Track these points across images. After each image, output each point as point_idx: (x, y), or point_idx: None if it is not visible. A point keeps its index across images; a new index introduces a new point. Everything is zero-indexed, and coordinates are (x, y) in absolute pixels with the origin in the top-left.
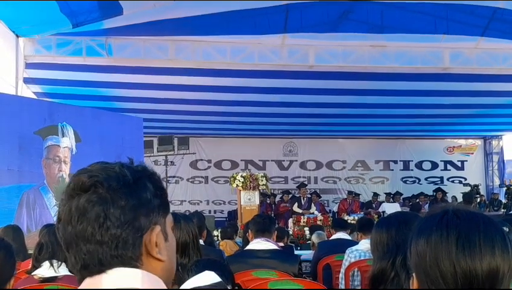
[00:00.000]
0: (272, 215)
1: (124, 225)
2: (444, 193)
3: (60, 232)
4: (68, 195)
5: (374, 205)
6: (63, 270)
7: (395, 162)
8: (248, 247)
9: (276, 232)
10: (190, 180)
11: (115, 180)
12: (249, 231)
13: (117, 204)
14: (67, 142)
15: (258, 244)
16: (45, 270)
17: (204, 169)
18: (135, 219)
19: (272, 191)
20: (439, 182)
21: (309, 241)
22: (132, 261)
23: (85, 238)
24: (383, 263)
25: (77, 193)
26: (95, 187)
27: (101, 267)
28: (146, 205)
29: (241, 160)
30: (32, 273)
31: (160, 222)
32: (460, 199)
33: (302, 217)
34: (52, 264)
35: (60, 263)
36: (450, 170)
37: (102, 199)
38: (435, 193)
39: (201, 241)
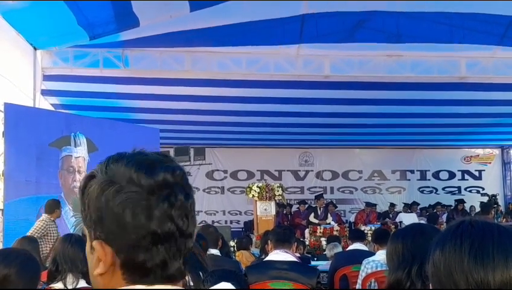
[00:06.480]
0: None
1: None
2: (463, 202)
3: (159, 228)
4: (160, 186)
5: (390, 215)
6: (81, 283)
7: (412, 171)
8: (267, 258)
9: (296, 243)
10: (206, 190)
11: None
12: (269, 241)
13: (193, 198)
14: (80, 151)
15: (277, 255)
16: (61, 286)
17: (221, 179)
18: None
19: (288, 202)
20: (457, 192)
21: (325, 252)
22: None
23: (183, 231)
24: (398, 273)
25: (168, 187)
26: (182, 181)
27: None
28: None
29: (257, 170)
30: (50, 285)
31: None
32: (478, 208)
33: (318, 227)
34: (65, 284)
35: (75, 281)
36: (467, 179)
37: (190, 194)
38: (456, 203)
39: (217, 251)
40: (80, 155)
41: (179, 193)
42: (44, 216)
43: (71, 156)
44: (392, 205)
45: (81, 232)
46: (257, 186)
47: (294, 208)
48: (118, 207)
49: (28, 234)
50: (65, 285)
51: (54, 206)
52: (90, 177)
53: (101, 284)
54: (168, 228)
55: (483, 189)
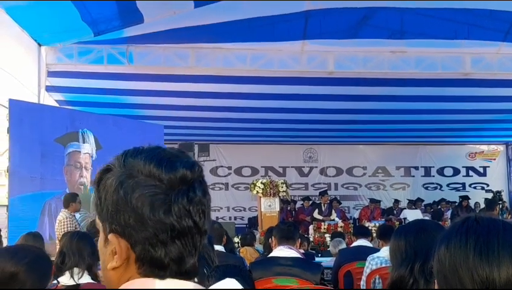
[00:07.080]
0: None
1: None
2: (468, 199)
3: (177, 223)
4: (179, 181)
5: (395, 212)
6: (86, 279)
7: (416, 168)
8: (271, 254)
9: (300, 239)
10: (210, 187)
11: None
12: (273, 237)
13: (209, 195)
14: (88, 148)
15: (281, 251)
16: (67, 278)
17: (225, 176)
18: None
19: (292, 198)
20: (461, 188)
21: (330, 249)
22: None
23: (199, 228)
24: (401, 270)
25: (187, 182)
26: (200, 177)
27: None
28: None
29: (261, 166)
30: (58, 282)
31: None
32: (482, 205)
33: (322, 223)
34: (72, 275)
35: (81, 272)
36: (472, 176)
37: (206, 190)
38: (460, 200)
39: (222, 248)
40: (87, 152)
41: (197, 189)
42: (64, 212)
43: (79, 152)
44: (397, 202)
45: (85, 228)
46: (261, 183)
47: (298, 205)
48: (136, 201)
49: (57, 235)
50: (72, 276)
51: (69, 200)
52: (106, 171)
53: (114, 278)
54: (186, 223)
55: (487, 185)
